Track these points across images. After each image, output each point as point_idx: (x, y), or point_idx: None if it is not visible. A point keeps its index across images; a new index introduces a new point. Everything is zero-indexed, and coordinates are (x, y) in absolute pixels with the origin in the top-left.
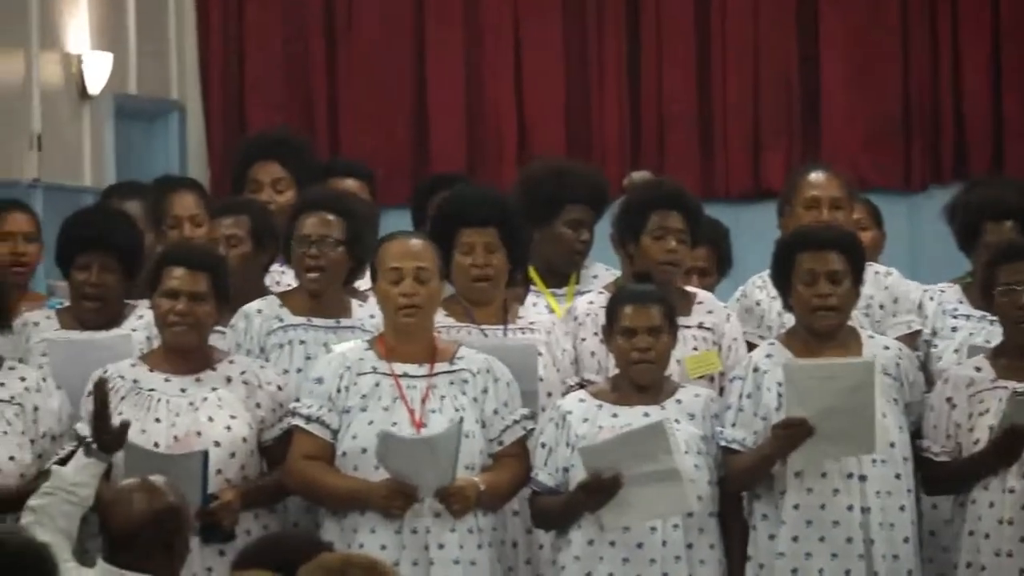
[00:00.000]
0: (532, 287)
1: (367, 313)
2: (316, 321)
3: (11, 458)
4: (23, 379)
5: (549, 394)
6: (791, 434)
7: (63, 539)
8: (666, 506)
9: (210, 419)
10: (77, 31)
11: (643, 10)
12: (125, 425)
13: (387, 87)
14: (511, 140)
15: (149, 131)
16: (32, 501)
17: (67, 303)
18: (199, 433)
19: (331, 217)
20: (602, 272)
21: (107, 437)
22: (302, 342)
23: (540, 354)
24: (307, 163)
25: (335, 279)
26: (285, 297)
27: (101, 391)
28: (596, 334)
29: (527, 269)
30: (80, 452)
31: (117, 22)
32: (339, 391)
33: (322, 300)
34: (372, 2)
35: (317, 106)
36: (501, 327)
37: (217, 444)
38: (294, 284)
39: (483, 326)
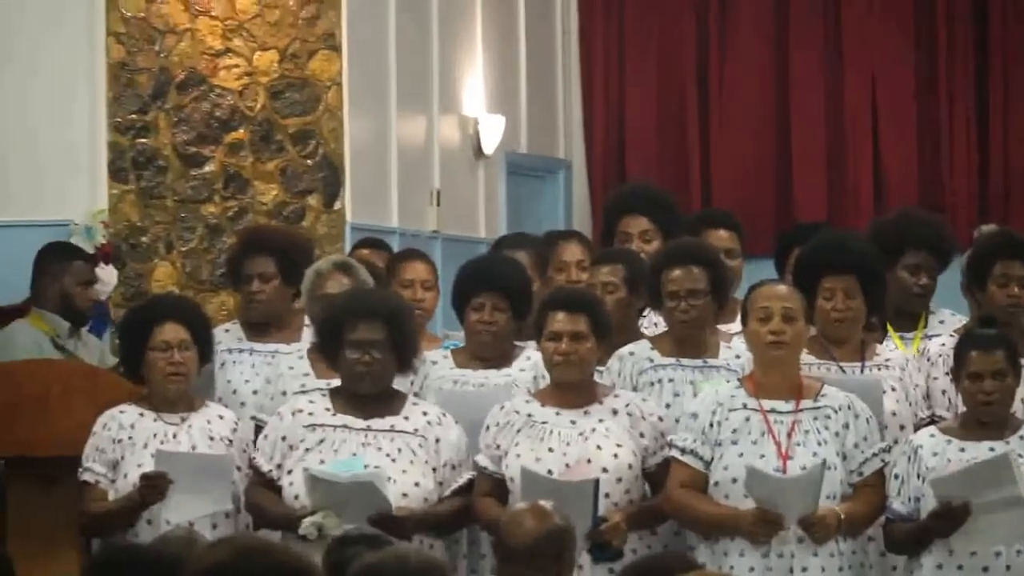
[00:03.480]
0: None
1: (733, 354)
2: (684, 361)
3: (416, 484)
4: (425, 413)
5: (902, 427)
6: None
7: None
8: (1013, 532)
9: (598, 448)
10: (473, 96)
11: (991, 74)
12: None
13: (754, 143)
14: (867, 194)
15: (538, 187)
16: None
17: (461, 344)
18: (589, 460)
19: (696, 269)
20: (948, 317)
21: None
22: (671, 380)
23: (894, 388)
24: (671, 215)
25: (704, 326)
26: (655, 340)
27: None
28: (947, 374)
29: (885, 313)
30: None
31: (510, 87)
32: (712, 425)
33: (689, 342)
34: (742, 64)
35: (691, 161)
36: (859, 364)
37: (605, 470)
38: (663, 326)
39: (842, 363)
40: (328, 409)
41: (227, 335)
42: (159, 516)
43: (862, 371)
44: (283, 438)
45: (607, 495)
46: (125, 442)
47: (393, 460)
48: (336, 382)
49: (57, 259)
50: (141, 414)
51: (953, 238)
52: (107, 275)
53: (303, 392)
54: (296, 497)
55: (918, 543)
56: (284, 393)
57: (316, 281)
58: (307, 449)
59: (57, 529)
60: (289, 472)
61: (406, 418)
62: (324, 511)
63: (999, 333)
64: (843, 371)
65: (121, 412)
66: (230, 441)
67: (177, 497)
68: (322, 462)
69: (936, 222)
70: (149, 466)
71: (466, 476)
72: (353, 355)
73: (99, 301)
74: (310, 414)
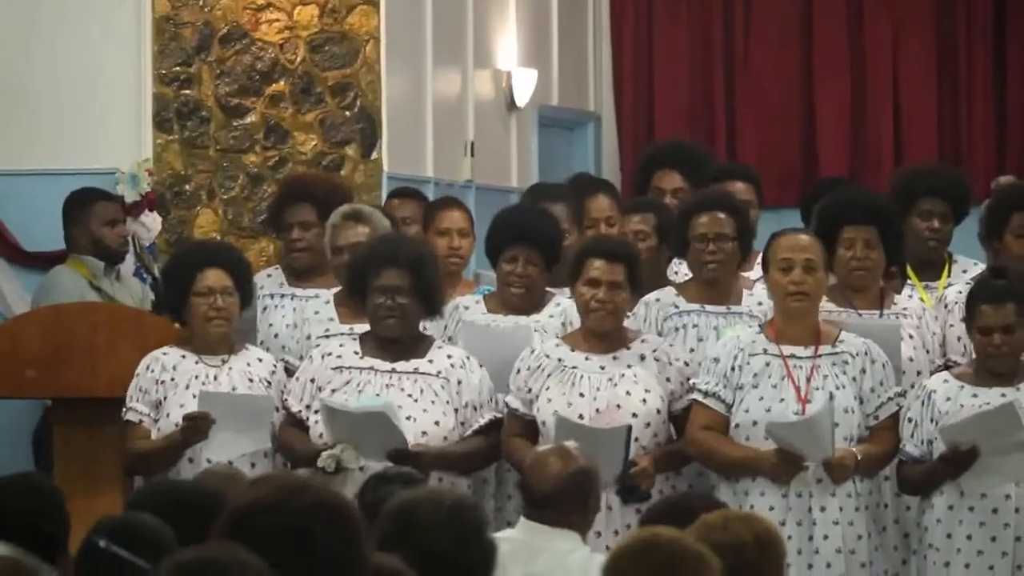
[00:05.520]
0: (909, 280)
1: (756, 301)
2: (708, 308)
3: (436, 423)
4: (450, 356)
5: (919, 373)
6: None
7: None
8: (1019, 473)
9: (627, 393)
10: (506, 50)
11: (1009, 30)
12: None
13: (780, 100)
14: (888, 149)
15: (568, 139)
16: None
17: (494, 290)
18: (618, 406)
19: (722, 215)
20: (971, 267)
21: None
22: (695, 326)
23: (911, 336)
24: (705, 172)
25: (732, 270)
26: (681, 287)
27: None
28: (962, 320)
29: (904, 263)
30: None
31: (541, 42)
32: (733, 369)
33: (715, 288)
34: (768, 22)
35: (717, 116)
36: (877, 312)
37: (634, 415)
38: (689, 275)
39: (861, 311)
40: (357, 352)
41: (269, 280)
42: (200, 455)
43: (880, 318)
44: (312, 380)
45: (636, 439)
46: (168, 383)
47: (415, 400)
48: (359, 327)
49: (80, 205)
50: (183, 356)
51: (967, 185)
52: (151, 222)
53: (333, 336)
54: (320, 436)
55: (929, 484)
56: (308, 337)
57: (332, 233)
58: (333, 390)
59: (101, 469)
60: (316, 412)
61: (430, 361)
62: (342, 445)
63: (1009, 285)
64: (861, 317)
65: (164, 354)
66: (269, 383)
67: (219, 436)
68: (346, 401)
69: (948, 170)
70: (191, 406)
71: (487, 417)
72: (378, 300)
73: (136, 247)
74: (339, 357)
